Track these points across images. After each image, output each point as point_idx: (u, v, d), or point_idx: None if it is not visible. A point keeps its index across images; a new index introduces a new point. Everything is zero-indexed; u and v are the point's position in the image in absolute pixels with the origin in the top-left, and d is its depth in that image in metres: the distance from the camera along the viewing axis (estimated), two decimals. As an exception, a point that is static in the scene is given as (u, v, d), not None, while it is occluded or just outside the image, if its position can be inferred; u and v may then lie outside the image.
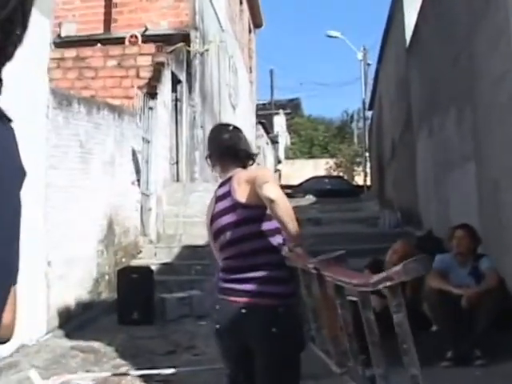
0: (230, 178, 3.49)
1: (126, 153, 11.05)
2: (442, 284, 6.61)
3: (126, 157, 11.09)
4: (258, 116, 30.61)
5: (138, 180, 11.61)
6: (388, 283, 2.41)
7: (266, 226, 3.40)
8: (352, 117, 49.45)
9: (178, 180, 14.49)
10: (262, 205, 3.31)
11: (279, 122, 40.91)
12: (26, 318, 7.46)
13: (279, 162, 39.67)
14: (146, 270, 9.39)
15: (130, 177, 11.28)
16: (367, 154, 37.12)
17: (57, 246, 8.32)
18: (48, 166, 8.06)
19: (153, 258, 11.44)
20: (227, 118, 20.26)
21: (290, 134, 48.93)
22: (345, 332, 3.31)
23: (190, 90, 15.72)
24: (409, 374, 2.30)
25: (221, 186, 3.56)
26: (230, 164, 3.59)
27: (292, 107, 47.54)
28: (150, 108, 12.55)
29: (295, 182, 34.42)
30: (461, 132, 10.15)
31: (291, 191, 30.20)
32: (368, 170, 35.74)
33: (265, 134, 32.34)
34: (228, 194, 3.43)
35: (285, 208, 3.23)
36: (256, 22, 28.45)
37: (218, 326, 3.43)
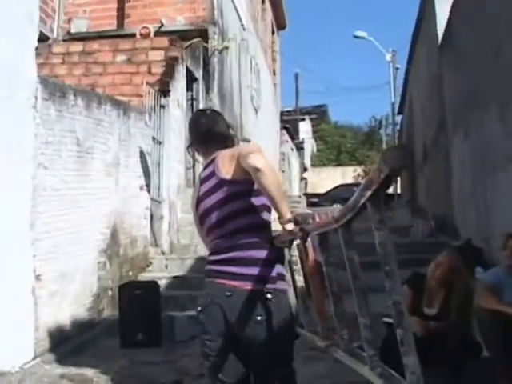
0: (213, 159, 3.42)
1: (133, 154, 9.95)
2: (495, 302, 5.62)
3: (134, 158, 9.99)
4: (282, 121, 29.51)
5: (148, 185, 10.49)
6: (368, 192, 2.12)
7: (253, 201, 3.29)
8: (380, 122, 48.19)
9: (194, 185, 13.33)
10: (248, 179, 3.21)
11: (305, 128, 39.65)
12: (8, 340, 6.39)
13: (305, 169, 38.46)
14: (151, 285, 8.28)
15: (138, 181, 10.18)
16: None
17: (48, 258, 7.22)
18: (37, 165, 6.98)
19: (164, 270, 10.32)
20: (249, 121, 19.16)
21: (315, 140, 47.71)
22: (329, 291, 3.12)
23: (208, 89, 14.61)
24: (391, 301, 2.05)
25: (205, 168, 3.50)
26: (210, 147, 3.54)
27: (318, 114, 46.35)
28: (162, 106, 11.46)
29: (322, 190, 33.53)
30: (504, 130, 9.05)
31: (318, 200, 29.31)
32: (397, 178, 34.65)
33: (290, 140, 31.14)
34: (212, 174, 3.34)
35: (272, 178, 3.10)
36: (279, 23, 27.34)
37: (199, 308, 3.38)
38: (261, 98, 21.55)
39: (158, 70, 11.98)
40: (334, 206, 28.58)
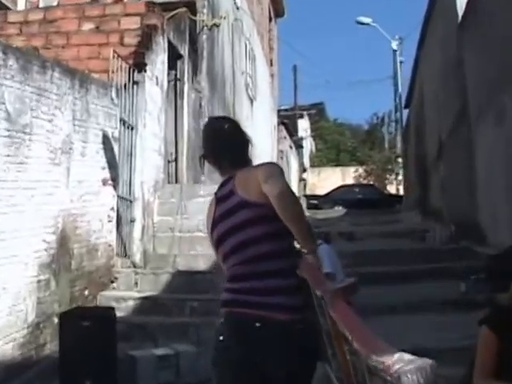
0: (231, 177, 3.18)
1: (93, 138, 7.77)
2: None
3: (94, 144, 7.82)
4: (279, 117, 27.35)
5: (114, 179, 8.30)
6: None
7: (276, 226, 3.00)
8: (382, 120, 46.03)
9: (176, 182, 11.15)
10: (269, 202, 2.95)
11: (303, 125, 37.30)
12: None
13: (304, 170, 36.25)
14: (105, 314, 6.12)
15: (101, 173, 8.01)
16: (400, 160, 33.98)
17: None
18: None
19: (132, 288, 8.14)
20: (243, 111, 16.99)
21: (314, 139, 45.53)
22: (354, 379, 2.73)
23: (195, 69, 12.43)
24: None
25: (222, 186, 3.25)
26: (228, 162, 3.26)
27: (317, 111, 44.08)
28: (136, 82, 9.28)
29: (322, 191, 31.57)
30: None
31: (317, 202, 27.42)
32: (400, 177, 32.61)
33: (288, 137, 28.92)
34: (231, 194, 3.12)
35: (291, 204, 2.93)
36: (277, 10, 25.14)
37: (221, 338, 3.05)
38: (257, 88, 19.39)
39: (132, 40, 9.80)
40: (336, 208, 26.71)
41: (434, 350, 6.72)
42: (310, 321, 3.05)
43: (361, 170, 39.78)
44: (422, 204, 21.09)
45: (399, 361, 2.12)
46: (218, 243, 3.19)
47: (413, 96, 24.19)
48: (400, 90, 25.74)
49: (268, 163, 3.32)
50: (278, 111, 27.72)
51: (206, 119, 11.71)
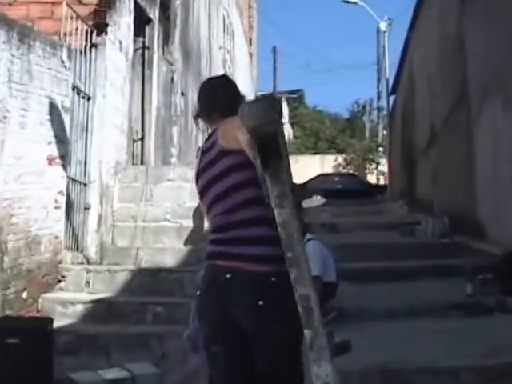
0: (216, 129, 3.12)
1: (35, 106, 6.35)
2: None
3: (38, 114, 6.40)
4: (257, 103, 25.88)
5: (63, 157, 6.88)
6: (258, 163, 2.07)
7: (255, 173, 2.65)
8: (364, 107, 44.81)
9: (142, 163, 9.73)
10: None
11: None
12: None
13: (281, 157, 34.78)
14: (37, 327, 4.72)
15: (46, 150, 6.60)
16: (381, 149, 32.86)
17: None
18: None
19: (82, 289, 6.74)
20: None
21: (292, 126, 44.20)
22: None
23: (166, 38, 11.02)
24: (297, 294, 1.76)
25: (208, 138, 3.21)
26: (215, 115, 3.19)
27: (295, 98, 42.74)
28: (94, 45, 7.86)
29: (300, 180, 30.27)
30: None
31: (295, 191, 26.16)
32: (382, 167, 31.46)
33: (266, 121, 27.49)
34: (214, 144, 3.05)
35: None
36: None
37: (198, 293, 3.03)
38: (235, 65, 18.02)
39: (91, -2, 8.36)
40: (314, 197, 25.59)
41: (448, 370, 5.52)
42: (287, 272, 2.60)
43: (340, 158, 38.59)
44: (408, 194, 19.95)
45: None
46: (201, 194, 3.15)
47: (400, 82, 22.97)
48: (388, 74, 24.46)
49: None
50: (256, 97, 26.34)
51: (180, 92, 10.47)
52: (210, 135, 3.20)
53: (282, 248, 2.50)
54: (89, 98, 7.72)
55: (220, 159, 3.01)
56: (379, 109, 34.31)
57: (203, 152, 3.17)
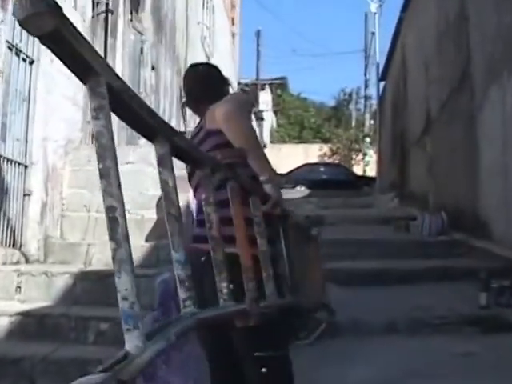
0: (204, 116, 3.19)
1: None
2: None
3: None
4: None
5: (-7, 130, 5.54)
6: None
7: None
8: (350, 96, 43.58)
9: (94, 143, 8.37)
10: None
11: (265, 98, 34.46)
12: None
13: (264, 146, 33.59)
14: None
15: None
16: (368, 139, 31.77)
17: None
18: None
19: (12, 296, 5.38)
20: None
21: (276, 114, 42.86)
22: None
23: (136, 3, 9.66)
24: (105, 205, 1.27)
25: (197, 126, 3.29)
26: (208, 99, 3.18)
27: (279, 85, 41.37)
28: None
29: (283, 170, 29.06)
30: None
31: (278, 181, 25.00)
32: (369, 158, 30.34)
33: (248, 107, 26.18)
34: (201, 128, 3.12)
35: (236, 127, 2.92)
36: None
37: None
38: (215, 44, 16.66)
39: None
40: (298, 188, 24.43)
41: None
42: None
43: (325, 148, 37.28)
44: (399, 187, 18.79)
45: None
46: (189, 177, 3.19)
47: (390, 67, 21.74)
48: (378, 58, 23.18)
49: (236, 93, 3.85)
50: (238, 83, 25.05)
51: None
52: (198, 122, 3.26)
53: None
54: (32, 62, 6.36)
55: (205, 140, 3.02)
56: (366, 97, 33.06)
57: (192, 137, 3.22)
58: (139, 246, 6.25)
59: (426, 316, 6.61)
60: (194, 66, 3.66)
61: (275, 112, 41.94)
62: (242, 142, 2.84)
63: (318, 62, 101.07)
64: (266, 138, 35.64)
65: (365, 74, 29.11)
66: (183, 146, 1.68)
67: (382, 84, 24.29)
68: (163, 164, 1.59)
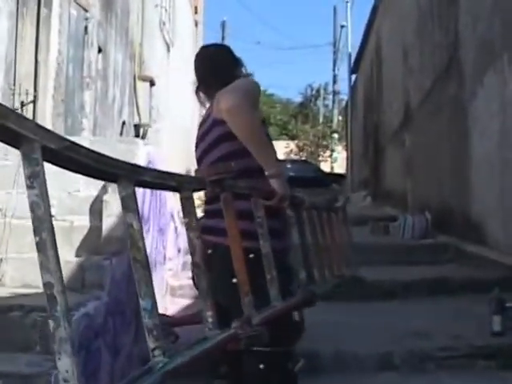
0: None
1: None
2: None
3: None
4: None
5: None
6: None
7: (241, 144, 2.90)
8: (318, 91, 42.58)
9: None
10: None
11: (230, 94, 33.31)
12: None
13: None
14: None
15: None
16: (336, 136, 30.86)
17: None
18: None
19: None
20: (155, 56, 12.96)
21: (241, 110, 41.81)
22: None
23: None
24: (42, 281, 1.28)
25: (207, 111, 3.23)
26: (219, 83, 3.08)
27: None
28: None
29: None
30: None
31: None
32: (337, 154, 29.41)
33: (211, 101, 24.84)
34: (209, 115, 3.10)
35: (241, 120, 2.82)
36: None
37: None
38: (176, 32, 15.34)
39: None
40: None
41: None
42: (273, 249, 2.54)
43: (292, 145, 36.61)
44: (372, 185, 17.72)
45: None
46: (198, 164, 3.13)
47: (363, 59, 20.71)
48: (349, 49, 22.15)
49: (243, 79, 3.17)
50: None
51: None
52: (208, 108, 3.17)
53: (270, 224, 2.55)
54: None
55: (212, 129, 3.03)
56: (335, 93, 32.07)
57: (201, 123, 3.23)
58: (64, 261, 4.85)
59: (426, 346, 5.34)
60: (204, 48, 3.56)
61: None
62: (246, 136, 2.80)
63: (285, 56, 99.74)
64: (232, 134, 34.47)
65: (334, 69, 28.03)
66: (149, 179, 1.67)
67: (353, 77, 23.20)
68: (127, 206, 1.54)
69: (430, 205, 11.37)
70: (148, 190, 5.50)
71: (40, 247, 1.19)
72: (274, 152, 2.96)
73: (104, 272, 4.46)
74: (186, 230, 2.01)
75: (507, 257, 7.45)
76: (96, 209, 5.03)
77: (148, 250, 5.01)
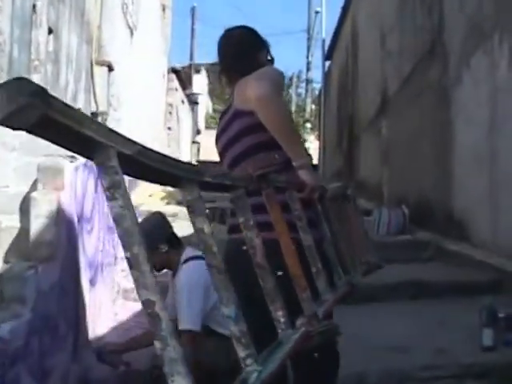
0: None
1: None
2: None
3: None
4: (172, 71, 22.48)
5: None
6: None
7: (268, 135, 2.79)
8: (291, 80, 41.88)
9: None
10: None
11: (200, 82, 32.21)
12: None
13: (198, 132, 31.46)
14: None
15: None
16: (309, 125, 30.25)
17: None
18: None
19: None
20: (116, 39, 12.14)
21: (212, 99, 40.86)
22: None
23: None
24: (140, 300, 1.28)
25: (228, 99, 3.33)
26: (241, 70, 3.01)
27: (215, 69, 39.35)
28: None
29: (218, 158, 27.16)
30: None
31: (213, 169, 23.15)
32: (310, 144, 28.82)
33: (180, 89, 23.96)
34: (230, 105, 3.03)
35: (272, 110, 2.70)
36: None
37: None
38: (140, 15, 14.51)
39: None
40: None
41: None
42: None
43: (265, 135, 35.43)
44: (346, 176, 17.12)
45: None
46: (221, 158, 3.12)
47: (338, 45, 20.04)
48: (324, 35, 21.39)
49: (267, 68, 2.98)
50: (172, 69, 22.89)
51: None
52: (229, 97, 3.13)
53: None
54: None
55: (233, 121, 2.95)
56: (308, 81, 31.37)
57: (223, 113, 3.16)
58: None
59: (406, 364, 4.56)
60: (227, 31, 3.36)
61: (210, 97, 40.06)
62: (277, 126, 2.70)
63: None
64: (201, 123, 33.57)
65: (307, 56, 27.35)
66: (211, 180, 1.64)
67: (327, 64, 22.49)
68: (195, 211, 1.51)
69: (407, 198, 10.70)
70: (90, 188, 4.79)
71: (133, 263, 1.13)
72: (302, 142, 2.88)
73: (26, 284, 3.67)
74: (244, 229, 1.94)
75: (495, 258, 6.82)
76: (27, 208, 4.25)
77: (92, 251, 4.11)
